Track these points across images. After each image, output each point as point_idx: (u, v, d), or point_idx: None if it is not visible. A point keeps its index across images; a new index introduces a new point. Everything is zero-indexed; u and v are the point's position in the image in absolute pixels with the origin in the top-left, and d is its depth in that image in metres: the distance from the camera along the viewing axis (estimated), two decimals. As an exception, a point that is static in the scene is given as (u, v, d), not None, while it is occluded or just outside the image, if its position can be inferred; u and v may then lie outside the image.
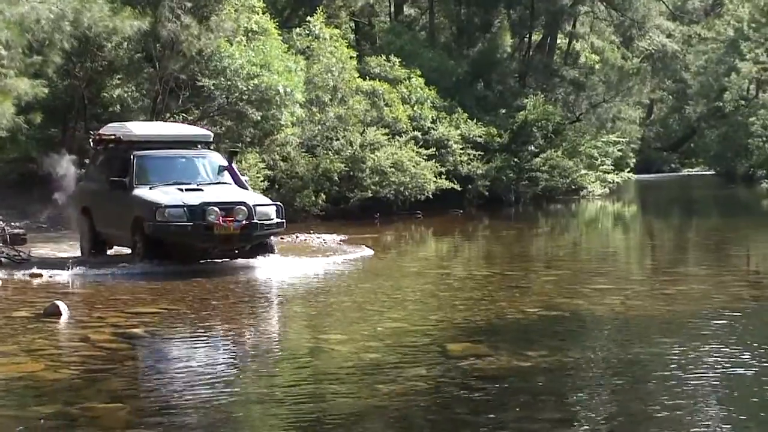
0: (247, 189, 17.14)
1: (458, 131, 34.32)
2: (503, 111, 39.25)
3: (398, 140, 31.01)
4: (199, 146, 18.14)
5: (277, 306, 13.37)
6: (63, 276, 15.04)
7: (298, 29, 30.89)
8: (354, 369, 8.82)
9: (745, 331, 10.65)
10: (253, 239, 16.13)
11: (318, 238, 21.40)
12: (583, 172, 41.23)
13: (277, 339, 10.89)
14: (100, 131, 18.84)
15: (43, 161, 20.00)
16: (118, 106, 24.35)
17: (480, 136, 35.31)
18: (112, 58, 23.82)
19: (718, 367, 8.69)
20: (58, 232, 20.58)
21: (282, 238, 18.90)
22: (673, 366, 8.72)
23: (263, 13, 27.05)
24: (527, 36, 46.53)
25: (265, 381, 8.51)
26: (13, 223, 19.52)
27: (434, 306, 12.76)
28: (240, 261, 16.31)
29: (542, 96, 40.82)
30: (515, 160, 37.20)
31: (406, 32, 40.62)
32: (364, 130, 30.18)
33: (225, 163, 17.50)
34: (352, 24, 41.25)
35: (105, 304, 12.65)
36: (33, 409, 7.49)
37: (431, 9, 44.39)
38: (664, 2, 56.79)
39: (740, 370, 8.56)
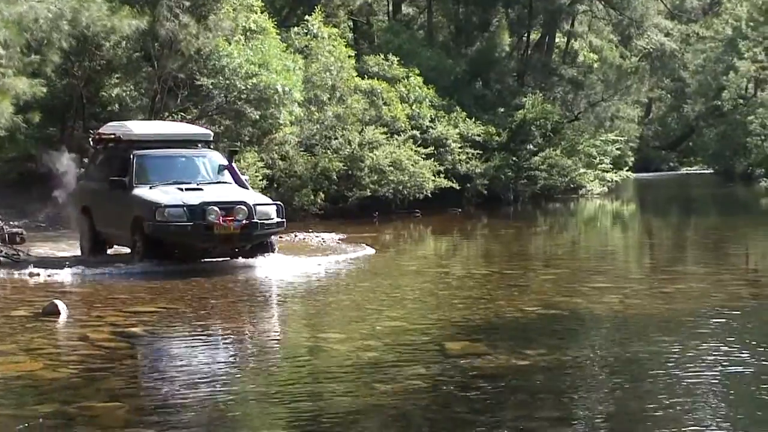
0: (247, 188, 17.10)
1: (457, 130, 34.30)
2: (502, 110, 39.24)
3: (397, 139, 31.00)
4: (199, 145, 18.10)
5: (275, 305, 13.38)
6: (62, 275, 15.03)
7: (296, 28, 30.88)
8: (352, 368, 8.83)
9: (744, 329, 10.66)
10: (254, 239, 16.10)
11: (317, 237, 21.40)
12: (581, 170, 41.22)
13: (275, 338, 10.90)
14: (100, 130, 18.79)
15: (42, 157, 20.00)
16: (117, 105, 24.33)
17: (478, 135, 35.31)
18: (110, 57, 23.82)
19: (717, 365, 8.70)
20: (57, 231, 20.56)
21: (281, 237, 18.89)
22: (671, 364, 8.73)
23: (261, 12, 27.03)
24: (525, 35, 46.53)
25: (263, 379, 8.51)
26: (11, 222, 19.53)
27: (433, 305, 12.77)
28: (240, 260, 16.31)
29: (541, 95, 40.82)
30: (514, 158, 37.19)
31: (404, 31, 40.61)
32: (362, 129, 30.18)
33: (225, 163, 17.47)
34: (351, 23, 41.23)
35: (104, 303, 12.64)
36: (32, 408, 7.49)
37: (429, 8, 44.40)
38: (662, 1, 56.84)
39: (739, 369, 8.56)
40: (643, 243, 24.43)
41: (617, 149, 47.54)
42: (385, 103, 31.78)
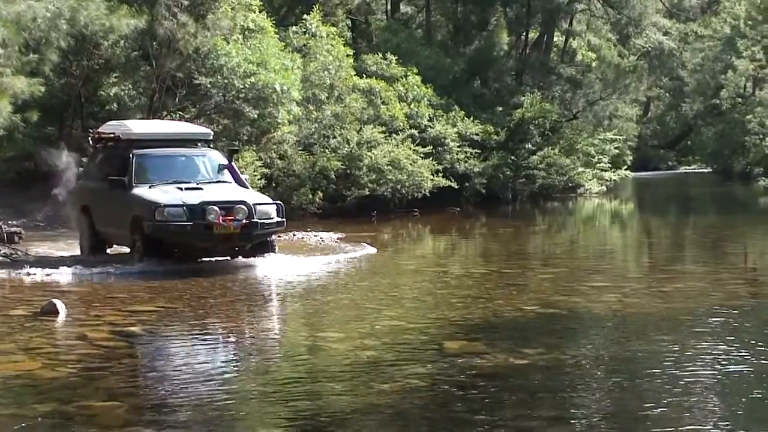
0: (247, 188, 17.08)
1: (455, 129, 34.30)
2: (500, 109, 39.24)
3: (395, 138, 31.01)
4: (198, 144, 18.06)
5: (274, 304, 13.38)
6: (60, 274, 15.03)
7: (294, 27, 30.89)
8: (351, 367, 8.82)
9: (742, 328, 10.67)
10: (254, 238, 16.06)
11: (315, 236, 21.39)
12: (580, 169, 41.24)
13: (274, 337, 10.90)
14: (99, 129, 18.73)
15: (41, 155, 19.98)
16: (115, 105, 24.33)
17: (477, 134, 35.31)
18: (108, 56, 23.81)
19: (715, 364, 8.70)
20: (56, 230, 20.56)
21: (279, 237, 18.89)
22: (670, 363, 8.73)
23: (260, 12, 27.01)
24: (524, 34, 46.54)
25: (262, 378, 8.51)
26: (10, 222, 19.53)
27: (431, 304, 12.77)
28: (239, 260, 16.29)
29: (539, 94, 40.81)
30: (512, 157, 37.18)
31: (402, 30, 40.59)
32: (360, 128, 30.17)
33: (225, 162, 17.43)
34: (349, 22, 41.24)
35: (102, 302, 12.64)
36: (30, 407, 7.49)
37: (428, 7, 44.40)
38: (660, 0, 56.81)
39: (737, 368, 8.56)
40: (642, 242, 24.44)
41: (616, 148, 47.56)
42: (383, 102, 31.78)
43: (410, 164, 30.27)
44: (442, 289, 14.22)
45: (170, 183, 16.46)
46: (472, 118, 35.70)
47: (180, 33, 22.99)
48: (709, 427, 6.87)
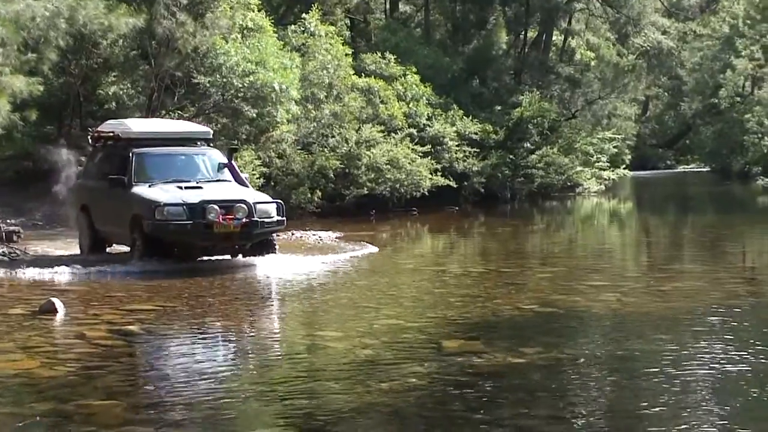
0: (247, 186, 17.06)
1: (454, 128, 34.31)
2: (499, 108, 39.25)
3: (394, 137, 31.02)
4: (198, 143, 18.03)
5: (272, 303, 13.37)
6: (59, 273, 15.03)
7: (293, 26, 30.88)
8: (349, 365, 8.83)
9: (741, 327, 10.68)
10: (254, 237, 16.02)
11: (314, 235, 21.40)
12: (578, 169, 41.27)
13: (272, 336, 10.90)
14: (99, 128, 18.70)
15: (40, 154, 19.97)
16: (114, 104, 24.32)
17: (475, 133, 35.33)
18: (107, 55, 23.80)
19: (714, 363, 8.70)
20: (54, 229, 20.55)
21: (278, 236, 18.88)
22: (668, 362, 8.73)
23: (259, 11, 27.02)
24: (522, 33, 46.55)
25: (260, 377, 8.51)
26: (8, 221, 19.53)
27: (430, 303, 12.78)
28: (238, 259, 16.27)
29: (538, 93, 40.80)
30: (511, 157, 37.19)
31: (401, 29, 40.60)
32: (359, 128, 30.18)
33: (225, 161, 17.39)
34: (348, 21, 41.25)
35: (101, 301, 12.63)
36: (29, 406, 7.49)
37: (426, 6, 44.40)
38: (659, -1, 56.86)
39: (736, 367, 8.57)
40: (640, 241, 24.45)
41: (614, 147, 47.60)
42: (382, 101, 31.79)
43: (409, 163, 30.28)
44: (441, 288, 14.22)
45: (170, 182, 16.40)
46: (470, 117, 35.71)
47: (179, 32, 22.99)
48: (706, 426, 6.88)
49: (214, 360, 9.43)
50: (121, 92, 24.48)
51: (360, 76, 31.84)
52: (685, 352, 9.20)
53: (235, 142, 23.98)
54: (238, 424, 7.24)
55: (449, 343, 9.66)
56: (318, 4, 33.19)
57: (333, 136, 29.16)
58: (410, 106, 33.33)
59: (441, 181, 31.34)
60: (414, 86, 34.12)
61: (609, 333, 10.61)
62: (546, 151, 38.92)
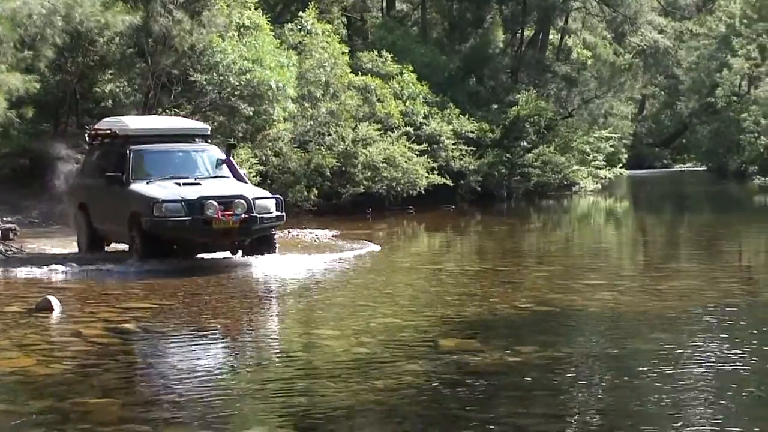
0: (245, 182, 17.01)
1: (450, 127, 34.30)
2: (495, 106, 39.24)
3: (390, 136, 31.01)
4: (196, 140, 17.98)
5: (269, 301, 13.37)
6: (55, 271, 15.01)
7: (290, 24, 30.85)
8: (346, 364, 8.83)
9: (737, 326, 10.69)
10: (253, 233, 15.94)
11: (310, 233, 21.39)
12: (575, 167, 41.27)
13: (269, 334, 10.90)
14: (96, 126, 18.63)
15: (38, 151, 19.95)
16: (110, 101, 24.28)
17: (472, 132, 35.31)
18: (103, 53, 23.77)
19: (710, 362, 8.72)
20: (51, 227, 20.53)
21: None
22: (664, 361, 8.74)
23: (255, 9, 27.02)
24: (519, 31, 46.50)
25: (256, 375, 8.51)
26: (5, 218, 19.51)
27: (426, 301, 12.77)
28: (237, 258, 16.24)
29: (534, 91, 40.79)
30: (507, 155, 37.19)
31: (398, 28, 40.60)
32: (356, 126, 30.17)
33: (223, 157, 17.34)
34: (344, 19, 41.20)
35: (97, 299, 12.63)
36: (25, 403, 7.49)
37: (423, 4, 44.36)
38: (656, -2, 56.85)
39: (732, 366, 8.58)
40: (637, 240, 24.46)
41: (610, 146, 47.62)
42: (378, 100, 31.78)
43: (405, 162, 30.28)
44: (437, 287, 14.22)
45: (168, 178, 16.32)
46: (467, 116, 35.70)
47: (175, 30, 22.98)
48: (702, 425, 6.88)
49: (210, 358, 9.43)
50: (117, 90, 24.46)
51: (357, 75, 31.83)
52: (681, 350, 9.20)
53: (232, 139, 23.96)
54: (233, 421, 7.24)
55: (445, 341, 9.66)
56: (315, 2, 33.11)
57: (329, 135, 29.15)
58: (407, 104, 33.31)
59: (437, 179, 31.32)
60: (411, 84, 34.11)
61: (605, 332, 10.61)
62: (542, 149, 38.93)
